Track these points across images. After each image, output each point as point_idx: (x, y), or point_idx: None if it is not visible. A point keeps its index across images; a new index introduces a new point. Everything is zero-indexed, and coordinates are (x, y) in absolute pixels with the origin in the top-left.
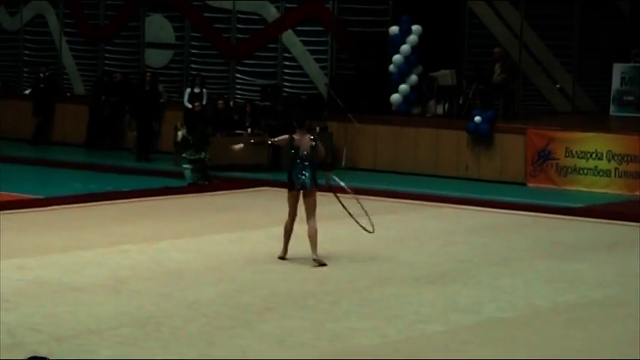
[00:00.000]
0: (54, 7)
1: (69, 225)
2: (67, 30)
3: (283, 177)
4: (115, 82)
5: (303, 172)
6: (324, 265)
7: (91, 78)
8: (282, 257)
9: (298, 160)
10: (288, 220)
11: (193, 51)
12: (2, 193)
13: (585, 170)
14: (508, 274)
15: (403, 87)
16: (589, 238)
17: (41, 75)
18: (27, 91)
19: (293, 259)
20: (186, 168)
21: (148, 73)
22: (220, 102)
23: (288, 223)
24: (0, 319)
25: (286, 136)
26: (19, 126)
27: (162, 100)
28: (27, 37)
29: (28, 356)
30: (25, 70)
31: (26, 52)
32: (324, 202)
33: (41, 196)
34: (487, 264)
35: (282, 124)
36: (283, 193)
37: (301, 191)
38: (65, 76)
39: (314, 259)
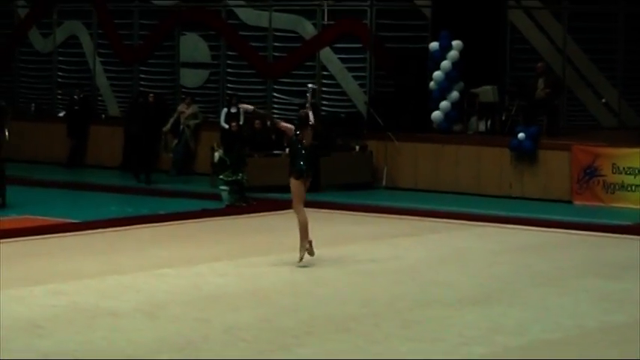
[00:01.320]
0: (87, 28)
1: (105, 249)
2: (101, 51)
3: (323, 198)
4: (150, 103)
5: (306, 161)
6: (313, 254)
7: (125, 99)
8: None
9: (302, 152)
10: (303, 213)
11: (229, 70)
12: (37, 217)
13: (633, 187)
14: (554, 295)
15: (444, 104)
16: (638, 257)
17: (75, 97)
18: (61, 114)
19: (331, 282)
20: (223, 189)
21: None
22: (257, 122)
23: (304, 217)
24: (35, 345)
25: (292, 127)
26: (53, 149)
27: (197, 121)
28: (60, 58)
29: None
30: (59, 92)
31: (60, 73)
32: (361, 221)
33: (76, 220)
34: (532, 284)
35: (322, 144)
36: (322, 214)
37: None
38: (99, 98)
39: (310, 243)
